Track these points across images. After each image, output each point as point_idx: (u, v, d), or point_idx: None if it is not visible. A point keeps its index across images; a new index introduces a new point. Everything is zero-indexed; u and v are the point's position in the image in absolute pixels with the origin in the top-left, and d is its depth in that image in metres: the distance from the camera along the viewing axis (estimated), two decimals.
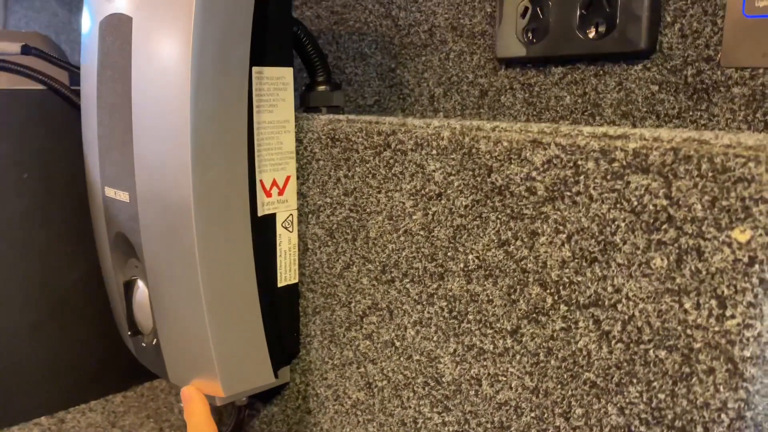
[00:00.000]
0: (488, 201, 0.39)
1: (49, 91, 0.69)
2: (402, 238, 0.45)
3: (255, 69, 0.48)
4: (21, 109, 0.68)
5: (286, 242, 0.54)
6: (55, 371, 0.75)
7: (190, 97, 0.45)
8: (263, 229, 0.52)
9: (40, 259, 0.71)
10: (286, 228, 0.53)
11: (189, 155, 0.45)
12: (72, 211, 0.72)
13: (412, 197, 0.44)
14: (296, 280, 0.55)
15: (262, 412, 0.63)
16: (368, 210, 0.48)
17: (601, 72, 0.46)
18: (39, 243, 0.71)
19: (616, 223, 0.33)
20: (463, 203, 0.41)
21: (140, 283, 0.55)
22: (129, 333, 0.55)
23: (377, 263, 0.48)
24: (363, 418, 0.52)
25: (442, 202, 0.42)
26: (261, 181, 0.51)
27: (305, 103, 0.58)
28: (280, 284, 0.54)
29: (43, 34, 0.94)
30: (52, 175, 0.70)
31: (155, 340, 0.54)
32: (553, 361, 0.37)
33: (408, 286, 0.46)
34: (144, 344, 0.56)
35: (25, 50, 0.70)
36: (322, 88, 0.57)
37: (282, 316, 0.55)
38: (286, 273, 0.54)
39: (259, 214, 0.51)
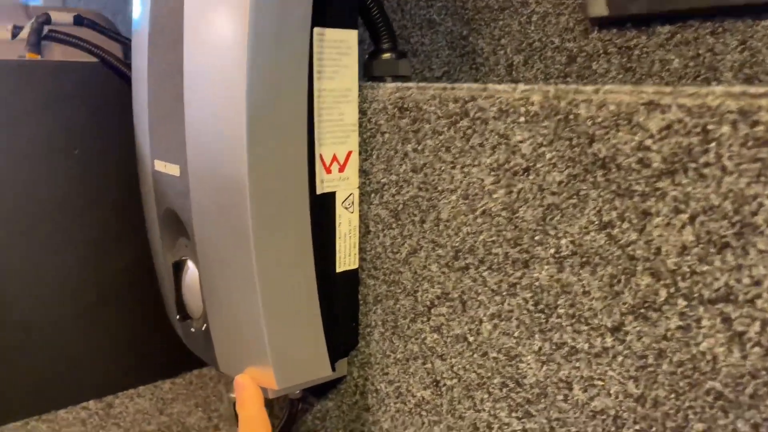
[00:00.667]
0: (588, 176, 0.34)
1: (102, 64, 0.67)
2: (479, 220, 0.40)
3: (316, 30, 0.44)
4: (72, 82, 0.66)
5: (346, 224, 0.49)
6: (103, 356, 0.72)
7: (246, 60, 0.40)
8: (322, 209, 0.47)
9: (90, 243, 0.69)
10: (346, 208, 0.49)
11: (244, 125, 0.41)
12: (123, 191, 0.69)
13: (493, 173, 0.39)
14: (356, 266, 0.51)
15: (315, 407, 0.59)
16: (440, 188, 0.42)
17: (720, 29, 0.40)
18: (89, 226, 0.69)
19: (758, 200, 0.27)
20: (557, 179, 0.35)
21: (190, 264, 0.51)
22: (177, 317, 0.52)
23: (449, 248, 0.43)
24: (428, 419, 0.47)
25: (530, 177, 0.37)
26: (321, 155, 0.46)
27: (368, 72, 0.53)
28: (338, 270, 0.49)
29: (97, 11, 0.92)
30: (102, 152, 0.68)
31: (205, 325, 0.50)
32: (665, 366, 0.31)
33: (485, 274, 0.40)
34: (193, 329, 0.53)
35: (78, 20, 0.67)
36: (387, 56, 0.52)
37: (340, 304, 0.50)
38: (346, 258, 0.50)
39: (318, 192, 0.47)
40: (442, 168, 0.42)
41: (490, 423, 0.42)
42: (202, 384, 0.78)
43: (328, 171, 0.47)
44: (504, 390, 0.41)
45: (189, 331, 0.53)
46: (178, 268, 0.52)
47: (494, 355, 0.41)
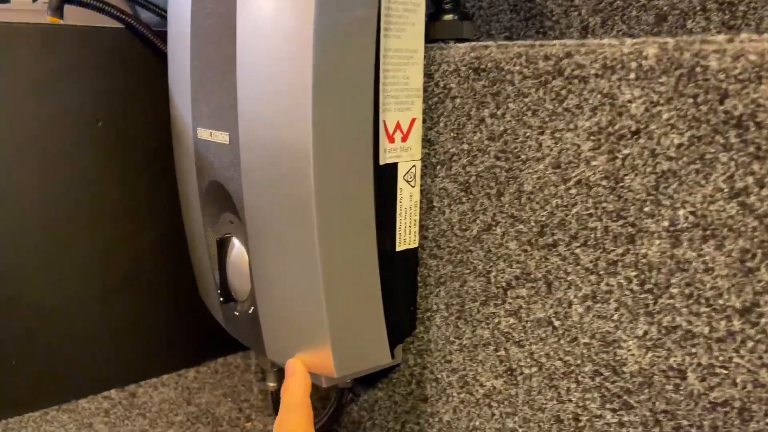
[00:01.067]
0: (717, 137, 0.30)
1: (127, 30, 0.62)
2: (573, 191, 0.36)
3: None
4: (95, 49, 0.61)
5: (407, 198, 0.45)
6: (126, 341, 0.68)
7: (313, 11, 0.36)
8: (383, 182, 0.43)
9: (113, 219, 0.65)
10: (407, 181, 0.45)
11: (310, 82, 0.37)
12: (150, 166, 0.65)
13: (592, 137, 0.35)
14: (416, 245, 0.47)
15: (362, 397, 0.55)
16: (523, 157, 0.38)
17: None
18: (112, 201, 0.64)
19: None
20: (675, 142, 0.31)
21: (236, 242, 0.47)
22: (220, 300, 0.48)
23: (532, 223, 0.39)
24: (500, 410, 0.43)
25: (641, 141, 0.33)
26: (384, 122, 0.42)
27: (429, 35, 0.48)
28: (398, 248, 0.45)
29: None
30: (128, 123, 0.63)
31: (252, 308, 0.46)
32: None
33: (578, 251, 0.36)
34: (237, 312, 0.49)
35: None
36: (449, 17, 0.48)
37: (399, 286, 0.46)
38: (406, 235, 0.46)
39: (381, 162, 0.43)
40: (527, 134, 0.38)
41: (577, 415, 0.38)
42: (228, 373, 0.74)
43: (391, 140, 0.43)
44: (597, 379, 0.37)
45: (231, 314, 0.49)
46: (222, 246, 0.47)
47: (586, 340, 0.37)
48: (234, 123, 0.42)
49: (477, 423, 0.45)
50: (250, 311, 0.47)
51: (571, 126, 0.36)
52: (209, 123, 0.45)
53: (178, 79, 0.49)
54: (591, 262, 0.36)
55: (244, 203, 0.43)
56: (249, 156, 0.42)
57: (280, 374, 0.58)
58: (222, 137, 0.44)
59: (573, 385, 0.38)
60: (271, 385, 0.58)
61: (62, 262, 0.63)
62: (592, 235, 0.36)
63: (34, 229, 0.61)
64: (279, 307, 0.44)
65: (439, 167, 0.44)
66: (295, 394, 0.42)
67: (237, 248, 0.47)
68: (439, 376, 0.47)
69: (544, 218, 0.38)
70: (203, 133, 0.46)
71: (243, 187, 0.43)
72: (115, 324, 0.67)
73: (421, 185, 0.46)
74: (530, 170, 0.38)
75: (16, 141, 0.58)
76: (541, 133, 0.37)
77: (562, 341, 0.38)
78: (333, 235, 0.40)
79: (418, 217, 0.46)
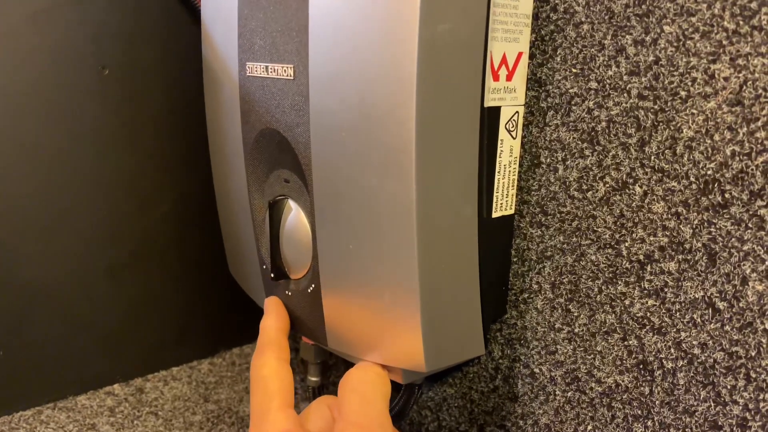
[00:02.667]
0: None
1: None
2: (761, 135, 0.28)
3: None
4: None
5: (507, 153, 0.37)
6: (131, 329, 0.59)
7: None
8: (485, 129, 0.35)
9: (120, 185, 0.55)
10: (509, 131, 0.36)
11: None
12: (162, 122, 0.55)
13: None
14: (512, 211, 0.38)
15: (426, 394, 0.47)
16: (683, 94, 0.30)
17: None
18: (119, 164, 0.55)
19: None
20: None
21: (292, 205, 0.38)
22: (271, 276, 0.39)
23: (691, 179, 0.31)
24: (625, 412, 0.35)
25: None
26: (491, 53, 0.34)
27: None
28: (494, 215, 0.37)
29: None
30: (137, 71, 0.53)
31: (312, 286, 0.38)
32: None
33: (763, 212, 0.28)
34: (289, 292, 0.40)
35: None
36: None
37: (493, 262, 0.38)
38: (503, 199, 0.37)
39: (486, 104, 0.34)
40: (692, 64, 0.30)
41: (745, 421, 0.30)
42: (246, 364, 0.65)
43: (496, 77, 0.34)
44: None
45: (282, 294, 0.40)
46: (275, 210, 0.38)
47: (766, 326, 0.29)
48: (302, 51, 0.33)
49: (589, 427, 0.37)
50: (310, 290, 0.38)
51: (763, 50, 0.28)
52: (265, 55, 0.36)
53: (216, 3, 0.40)
54: None
55: (312, 155, 0.34)
56: (321, 93, 0.33)
57: (324, 367, 0.49)
58: (284, 71, 0.35)
59: (741, 383, 0.30)
60: (313, 380, 0.49)
61: (59, 236, 0.53)
62: None
63: (28, 197, 0.51)
64: (352, 285, 0.35)
65: (551, 113, 0.36)
66: (269, 331, 0.37)
67: (294, 213, 0.38)
68: (536, 370, 0.39)
69: (710, 171, 0.30)
70: (255, 69, 0.37)
71: (312, 133, 0.34)
72: (121, 307, 0.57)
73: (523, 137, 0.37)
74: (693, 110, 0.30)
75: (9, 86, 0.48)
76: (714, 61, 0.29)
77: (727, 327, 0.30)
78: (433, 194, 0.32)
79: (516, 178, 0.38)
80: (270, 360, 0.35)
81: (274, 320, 0.38)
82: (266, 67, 0.36)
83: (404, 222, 0.31)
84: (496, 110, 0.35)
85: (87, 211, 0.54)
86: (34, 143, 0.50)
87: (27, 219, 0.51)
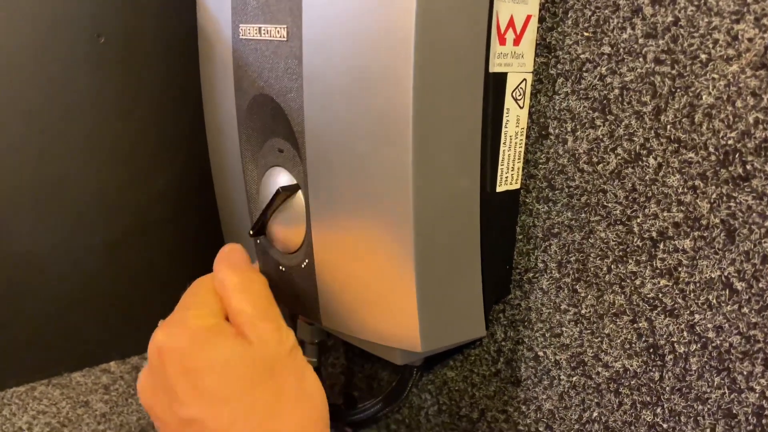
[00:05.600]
0: None
1: None
2: None
3: None
4: None
5: (514, 123, 0.35)
6: (128, 305, 0.58)
7: None
8: (490, 96, 0.33)
9: (118, 156, 0.53)
10: (516, 100, 0.34)
11: None
12: (160, 91, 0.54)
13: None
14: (518, 186, 0.36)
15: (426, 377, 0.45)
16: (703, 57, 0.28)
17: None
18: (115, 135, 0.53)
19: None
20: None
21: (286, 176, 0.36)
22: (250, 232, 0.37)
23: (710, 149, 0.28)
24: (633, 398, 0.33)
25: None
26: (497, 14, 0.31)
27: None
28: (499, 189, 0.35)
29: None
30: (133, 39, 0.52)
31: (306, 261, 0.36)
32: None
33: None
34: (282, 268, 0.38)
35: None
36: None
37: (496, 239, 0.36)
38: (508, 172, 0.35)
39: (491, 69, 0.32)
40: (713, 24, 0.27)
41: (760, 409, 0.28)
42: None
43: (502, 41, 0.32)
44: None
45: (275, 269, 0.39)
46: (268, 181, 0.37)
47: None
48: (296, 11, 0.31)
49: (594, 414, 0.35)
50: (303, 265, 0.36)
51: None
52: (257, 16, 0.34)
53: None
54: None
55: (305, 122, 0.33)
56: (315, 55, 0.31)
57: (322, 348, 0.47)
58: (277, 32, 0.33)
59: (759, 369, 0.28)
60: (311, 360, 0.47)
61: (54, 209, 0.52)
62: None
63: (22, 168, 0.50)
64: (346, 260, 0.34)
65: (561, 81, 0.34)
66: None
67: (288, 184, 0.36)
68: (540, 353, 0.37)
69: (731, 141, 0.28)
70: (248, 31, 0.35)
71: (305, 98, 0.32)
72: (117, 283, 0.56)
73: (531, 107, 0.35)
74: (714, 75, 0.28)
75: (3, 55, 0.47)
76: (738, 21, 0.27)
77: (745, 309, 0.28)
78: (431, 163, 0.30)
79: (523, 150, 0.36)
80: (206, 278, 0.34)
81: (230, 274, 0.34)
82: (259, 28, 0.34)
83: (400, 192, 0.30)
84: (502, 77, 0.33)
85: (82, 183, 0.52)
86: (27, 112, 0.49)
87: (20, 190, 0.50)
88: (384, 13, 0.28)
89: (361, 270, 0.33)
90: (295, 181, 0.36)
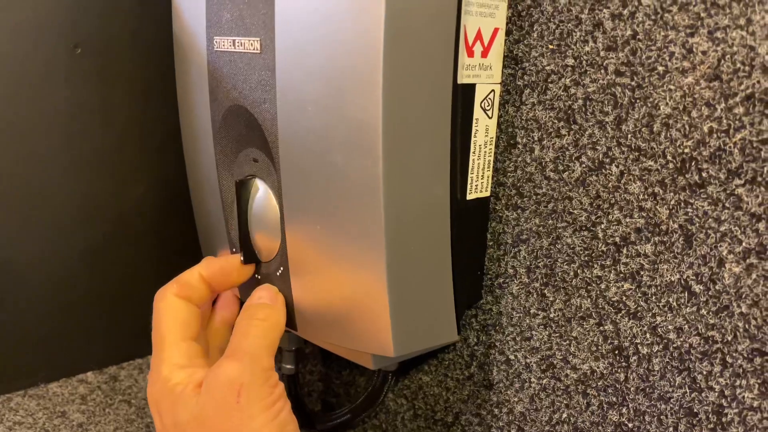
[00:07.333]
0: None
1: None
2: (738, 111, 0.27)
3: None
4: None
5: (483, 133, 0.36)
6: (106, 315, 0.58)
7: None
8: (459, 107, 0.33)
9: (95, 165, 0.54)
10: (484, 110, 0.35)
11: None
12: (137, 101, 0.54)
13: None
14: (488, 193, 0.37)
15: (401, 382, 0.46)
16: (660, 69, 0.29)
17: None
18: (93, 145, 0.53)
19: None
20: None
21: (260, 185, 0.37)
22: (241, 259, 0.38)
23: (668, 157, 0.30)
24: (600, 399, 0.34)
25: None
26: (465, 27, 0.32)
27: None
28: (469, 196, 0.36)
29: None
30: (112, 50, 0.52)
31: (281, 269, 0.36)
32: None
33: (740, 191, 0.28)
34: (259, 276, 0.39)
35: None
36: None
37: (467, 245, 0.37)
38: (478, 180, 0.36)
39: (459, 80, 0.33)
40: (670, 38, 0.29)
41: (719, 407, 0.29)
42: None
43: (470, 53, 0.33)
44: (757, 360, 0.28)
45: (252, 277, 0.39)
46: (243, 190, 0.37)
47: (743, 310, 0.28)
48: (269, 24, 0.32)
49: (564, 415, 0.36)
50: (279, 273, 0.37)
51: (742, 22, 0.26)
52: (232, 28, 0.35)
53: None
54: (761, 205, 0.27)
55: (279, 132, 0.33)
56: (288, 66, 0.32)
57: (299, 355, 0.48)
58: (250, 45, 0.34)
59: (717, 369, 0.29)
60: (288, 367, 0.48)
61: (32, 218, 0.52)
62: (766, 169, 0.27)
63: (0, 177, 0.50)
64: (320, 267, 0.34)
65: (528, 92, 0.35)
66: (184, 273, 0.37)
67: (262, 193, 0.37)
68: (512, 357, 0.38)
69: (688, 150, 0.29)
70: (223, 43, 0.35)
71: (278, 109, 0.33)
72: (94, 293, 0.56)
73: (499, 116, 0.36)
74: (671, 86, 0.29)
75: None
76: (692, 35, 0.28)
77: (704, 311, 0.29)
78: (401, 172, 0.31)
79: (492, 158, 0.37)
80: (167, 295, 0.35)
81: (196, 266, 0.37)
82: (233, 41, 0.35)
83: (371, 200, 0.30)
84: (471, 87, 0.34)
85: (60, 193, 0.52)
86: (6, 122, 0.49)
87: None
88: (354, 27, 0.29)
89: (335, 277, 0.34)
90: (269, 191, 0.36)
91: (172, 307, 0.35)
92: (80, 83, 0.51)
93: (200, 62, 0.38)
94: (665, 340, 0.31)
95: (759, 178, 0.27)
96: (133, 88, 0.53)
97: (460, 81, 0.33)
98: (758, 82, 0.26)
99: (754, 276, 0.28)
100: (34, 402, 0.53)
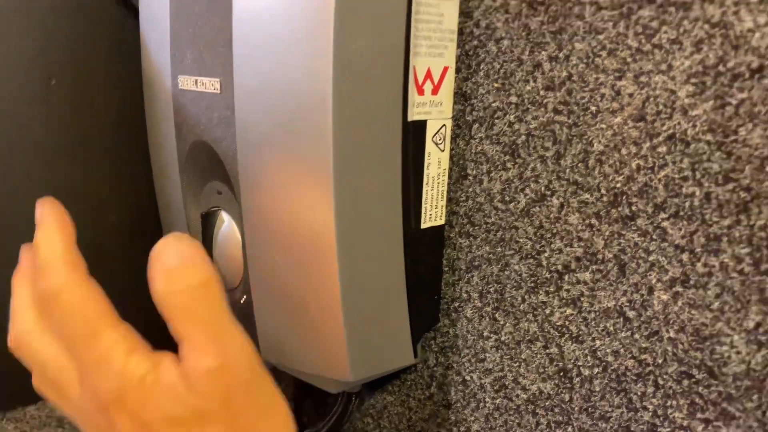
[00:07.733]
0: None
1: None
2: (662, 150, 0.29)
3: None
4: None
5: (435, 165, 0.37)
6: None
7: None
8: (410, 143, 0.35)
9: (69, 197, 0.55)
10: (436, 144, 0.37)
11: (332, 7, 0.29)
12: (111, 132, 0.55)
13: (692, 80, 0.28)
14: (442, 222, 0.39)
15: (367, 402, 0.47)
16: (593, 109, 0.31)
17: None
18: (66, 175, 0.55)
19: None
20: None
21: (225, 216, 0.39)
22: None
23: (602, 191, 0.31)
24: (548, 419, 0.36)
25: (766, 81, 0.26)
26: (414, 68, 0.34)
27: None
28: (423, 225, 0.38)
29: None
30: (86, 82, 0.54)
31: (244, 297, 0.38)
32: None
33: (665, 224, 0.29)
34: None
35: None
36: None
37: (423, 272, 0.39)
38: (432, 210, 0.38)
39: (410, 118, 0.35)
40: (600, 80, 0.31)
41: (654, 426, 0.31)
42: None
43: (420, 91, 0.35)
44: (685, 382, 0.30)
45: None
46: (208, 221, 0.39)
47: (671, 335, 0.30)
48: (227, 65, 0.34)
49: None
50: (242, 301, 0.38)
51: (663, 67, 0.29)
52: (194, 68, 0.36)
53: (151, 15, 0.40)
54: (683, 237, 0.29)
55: (239, 167, 0.35)
56: (246, 106, 0.34)
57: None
58: (211, 85, 0.35)
59: (650, 390, 0.31)
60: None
61: (5, 247, 0.53)
62: (687, 204, 0.29)
63: None
64: (279, 296, 0.36)
65: (476, 126, 0.37)
66: (51, 245, 0.29)
67: (226, 224, 0.38)
68: (467, 377, 0.40)
69: (619, 185, 0.31)
70: (186, 82, 0.37)
71: (238, 146, 0.35)
72: None
73: (451, 149, 0.38)
74: (602, 125, 0.31)
75: None
76: (620, 78, 0.30)
77: (637, 336, 0.31)
78: (353, 205, 0.32)
79: (446, 189, 0.39)
80: (68, 277, 0.28)
81: (51, 232, 0.30)
82: (196, 80, 0.36)
83: (324, 233, 0.32)
84: (422, 123, 0.36)
85: (33, 220, 0.54)
86: None
87: None
88: (305, 69, 0.31)
89: (294, 305, 0.35)
90: (233, 222, 0.38)
91: (85, 286, 0.29)
92: (55, 114, 0.53)
93: (166, 99, 0.40)
94: (604, 363, 0.33)
95: (681, 213, 0.29)
96: (107, 119, 0.55)
97: (411, 118, 0.35)
98: (678, 123, 0.28)
99: (680, 303, 0.30)
100: (12, 425, 0.54)
